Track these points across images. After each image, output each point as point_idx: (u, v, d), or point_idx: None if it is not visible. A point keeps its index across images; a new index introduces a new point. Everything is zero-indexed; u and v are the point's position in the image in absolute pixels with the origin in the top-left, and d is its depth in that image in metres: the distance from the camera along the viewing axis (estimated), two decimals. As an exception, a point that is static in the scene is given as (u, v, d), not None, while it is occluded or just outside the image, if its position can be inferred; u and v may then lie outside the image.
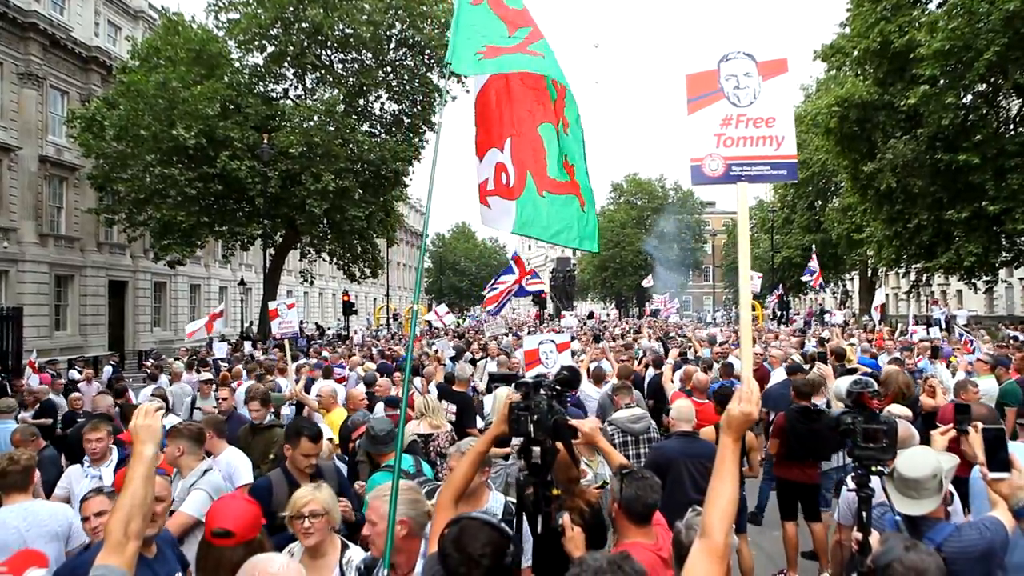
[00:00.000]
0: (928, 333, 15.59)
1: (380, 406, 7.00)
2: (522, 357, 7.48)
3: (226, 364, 14.36)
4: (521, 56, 3.46)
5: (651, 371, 10.34)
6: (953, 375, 9.63)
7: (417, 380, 9.13)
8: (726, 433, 2.08)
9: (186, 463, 4.27)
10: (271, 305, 11.70)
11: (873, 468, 2.47)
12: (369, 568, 2.93)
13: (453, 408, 7.04)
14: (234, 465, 5.11)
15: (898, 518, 2.60)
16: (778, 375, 9.51)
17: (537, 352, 5.44)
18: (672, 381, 8.32)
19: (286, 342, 10.58)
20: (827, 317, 24.79)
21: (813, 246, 31.62)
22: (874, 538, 2.59)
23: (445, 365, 10.74)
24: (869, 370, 8.56)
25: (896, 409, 5.08)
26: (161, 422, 2.36)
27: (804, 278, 28.44)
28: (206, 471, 4.25)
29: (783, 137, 2.71)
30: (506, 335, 20.98)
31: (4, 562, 2.63)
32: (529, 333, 19.25)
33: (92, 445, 5.24)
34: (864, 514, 2.46)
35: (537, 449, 2.40)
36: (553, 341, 5.66)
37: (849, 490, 2.68)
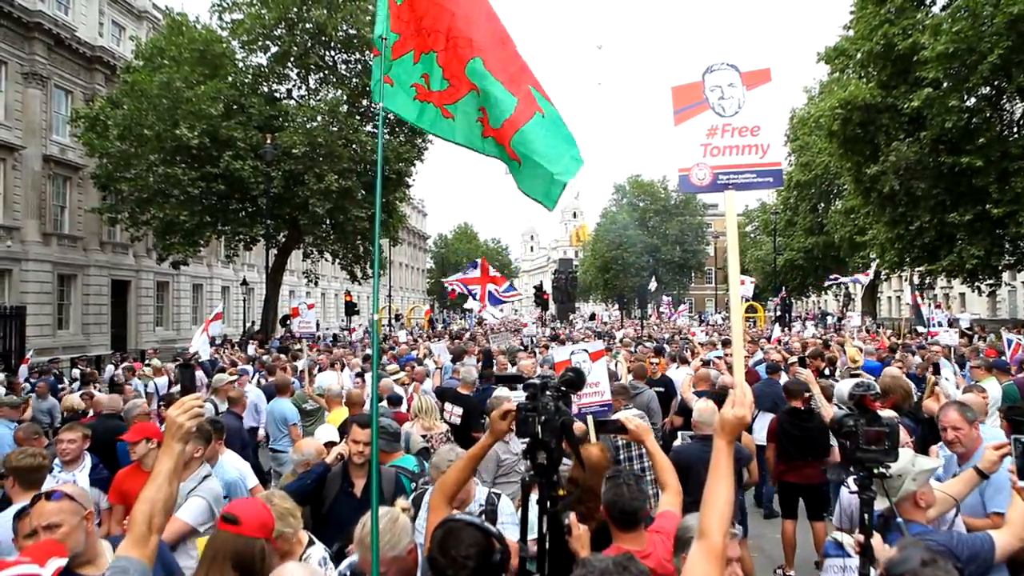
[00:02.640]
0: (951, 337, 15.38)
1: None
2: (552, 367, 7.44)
3: (210, 362, 14.19)
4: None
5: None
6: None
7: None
8: (719, 436, 2.11)
9: (191, 466, 4.20)
10: (293, 303, 11.98)
11: (875, 470, 2.47)
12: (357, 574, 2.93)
13: (459, 411, 7.06)
14: (242, 472, 5.08)
15: (900, 520, 2.60)
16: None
17: (570, 363, 5.33)
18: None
19: (303, 341, 10.98)
20: (851, 320, 24.49)
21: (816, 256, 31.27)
22: (876, 541, 2.58)
23: (442, 368, 10.79)
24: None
25: (883, 414, 5.10)
26: (196, 420, 2.39)
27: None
28: (205, 477, 4.18)
29: (768, 145, 2.78)
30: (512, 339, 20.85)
31: (27, 551, 2.63)
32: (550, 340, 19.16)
33: (64, 446, 5.08)
34: (867, 517, 2.46)
35: (543, 450, 2.41)
36: (586, 351, 5.57)
37: (851, 492, 2.68)
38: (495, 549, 2.19)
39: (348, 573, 2.97)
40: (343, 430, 6.11)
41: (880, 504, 2.66)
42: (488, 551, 2.17)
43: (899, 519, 2.60)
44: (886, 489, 2.64)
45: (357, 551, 2.83)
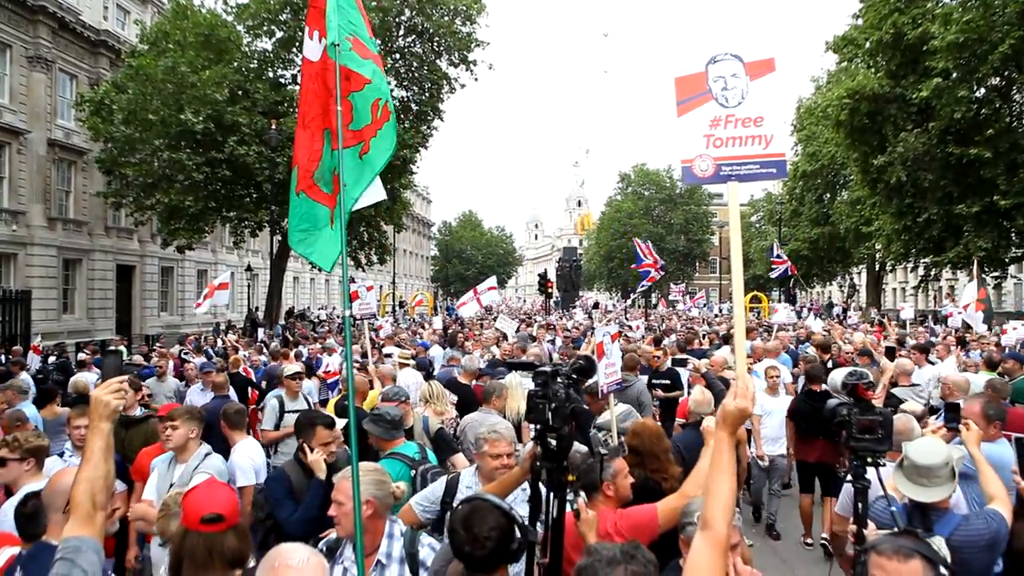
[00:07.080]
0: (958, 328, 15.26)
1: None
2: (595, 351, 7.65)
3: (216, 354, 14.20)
4: (376, 70, 3.31)
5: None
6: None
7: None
8: (721, 427, 2.11)
9: (191, 447, 4.33)
10: (352, 287, 11.59)
11: (868, 460, 2.48)
12: (332, 549, 2.98)
13: (454, 398, 7.10)
14: (256, 461, 5.01)
15: (894, 509, 2.60)
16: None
17: (602, 345, 5.72)
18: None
19: (364, 323, 11.03)
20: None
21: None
22: (872, 530, 2.60)
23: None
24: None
25: (908, 405, 5.21)
26: (121, 400, 2.36)
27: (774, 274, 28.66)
28: (207, 455, 4.28)
29: (772, 136, 2.75)
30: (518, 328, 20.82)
31: None
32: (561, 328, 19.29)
33: (80, 431, 4.94)
34: (860, 505, 2.46)
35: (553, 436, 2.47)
36: (608, 333, 5.96)
37: (846, 481, 2.69)
38: (516, 536, 2.23)
39: (324, 548, 3.01)
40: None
41: (929, 496, 2.68)
42: (509, 535, 2.21)
43: (893, 508, 2.61)
44: (939, 479, 2.68)
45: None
